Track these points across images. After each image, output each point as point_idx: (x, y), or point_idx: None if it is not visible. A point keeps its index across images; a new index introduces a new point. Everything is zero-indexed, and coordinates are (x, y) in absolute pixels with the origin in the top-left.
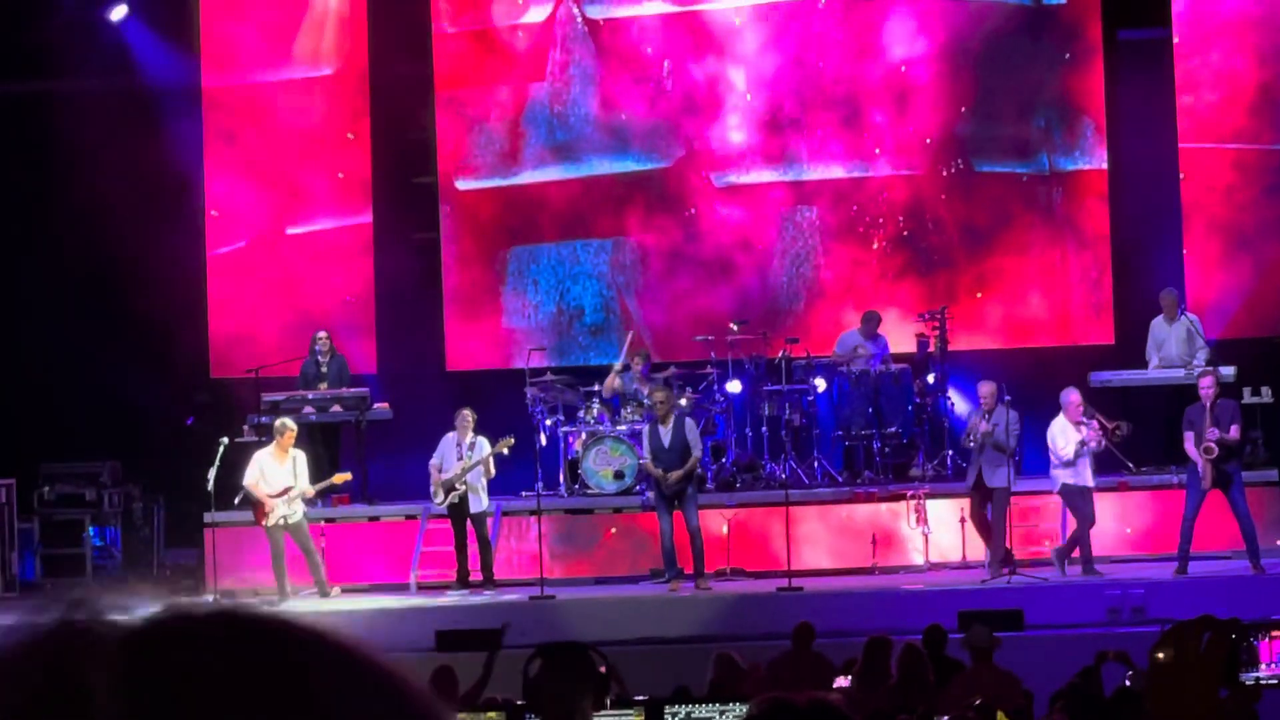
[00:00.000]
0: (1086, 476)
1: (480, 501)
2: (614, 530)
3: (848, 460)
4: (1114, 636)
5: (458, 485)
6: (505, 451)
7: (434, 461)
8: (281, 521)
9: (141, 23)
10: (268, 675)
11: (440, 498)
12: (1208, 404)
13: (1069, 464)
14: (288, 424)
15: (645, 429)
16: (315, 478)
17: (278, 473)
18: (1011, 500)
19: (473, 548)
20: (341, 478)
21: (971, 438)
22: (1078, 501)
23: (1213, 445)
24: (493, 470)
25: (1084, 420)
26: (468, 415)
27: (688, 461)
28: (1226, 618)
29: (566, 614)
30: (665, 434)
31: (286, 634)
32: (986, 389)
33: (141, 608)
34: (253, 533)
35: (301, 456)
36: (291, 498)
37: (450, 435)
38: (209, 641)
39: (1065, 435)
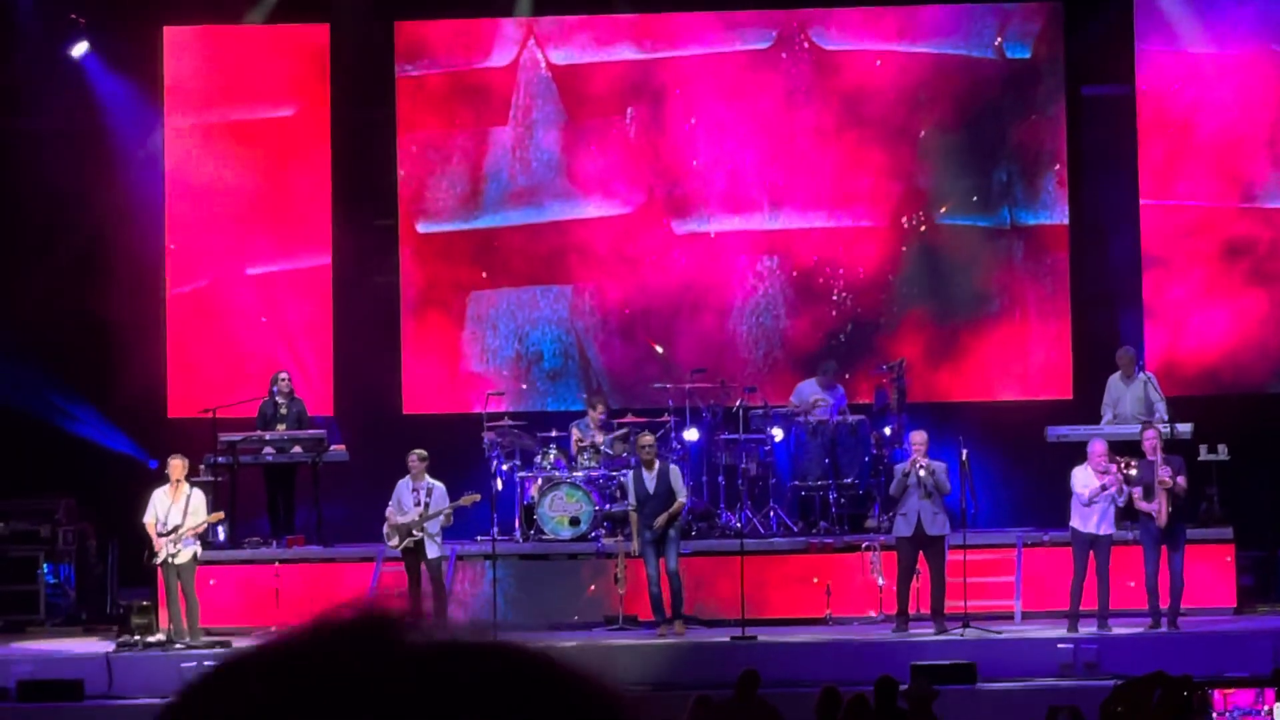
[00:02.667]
0: (1092, 524)
1: (435, 547)
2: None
3: (803, 510)
4: (1067, 691)
5: (415, 531)
6: (468, 506)
7: (390, 508)
8: (169, 560)
9: (103, 60)
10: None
11: (395, 541)
12: (1154, 458)
13: (1085, 506)
14: (170, 461)
15: (630, 475)
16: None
17: (170, 511)
18: (964, 554)
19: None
20: (215, 517)
21: (912, 477)
22: (1074, 547)
23: (1167, 480)
24: (450, 519)
25: (1107, 470)
26: (417, 458)
27: (670, 507)
28: (1181, 673)
29: None
30: (650, 480)
31: (580, 684)
32: (919, 437)
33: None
34: (204, 572)
35: (198, 494)
36: (178, 536)
37: (405, 480)
38: (496, 674)
39: (1082, 479)
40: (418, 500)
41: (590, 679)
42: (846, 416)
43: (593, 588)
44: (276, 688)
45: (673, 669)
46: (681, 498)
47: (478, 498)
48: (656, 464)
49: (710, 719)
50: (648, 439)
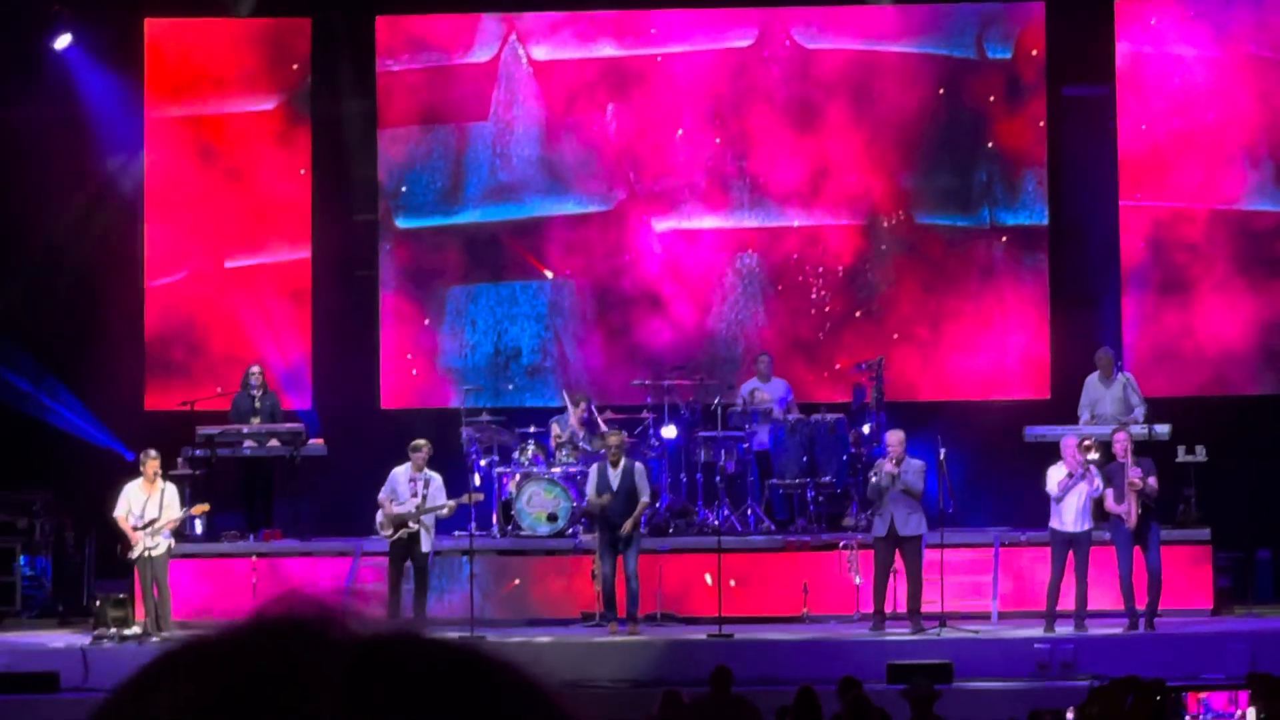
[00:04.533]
0: (1066, 521)
1: (429, 541)
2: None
3: (781, 508)
4: (1043, 691)
5: (411, 523)
6: (470, 504)
7: (383, 495)
8: (146, 554)
9: (85, 51)
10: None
11: (389, 531)
12: (1125, 460)
13: (1057, 502)
14: (148, 454)
15: (594, 469)
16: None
17: (145, 505)
18: (941, 553)
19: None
20: (200, 508)
21: (875, 475)
22: (1053, 547)
23: (1137, 480)
24: (452, 513)
25: (1077, 466)
26: (426, 451)
27: (633, 506)
28: (1154, 676)
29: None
30: (614, 476)
31: (509, 676)
32: (895, 437)
33: (373, 623)
34: (181, 565)
35: (171, 488)
36: (155, 530)
37: (401, 468)
38: (434, 668)
39: (1055, 478)
40: (415, 491)
41: (523, 674)
42: (791, 412)
43: (570, 584)
44: (205, 687)
45: (648, 666)
46: (645, 497)
47: (481, 497)
48: (622, 462)
49: (682, 715)
50: (615, 439)
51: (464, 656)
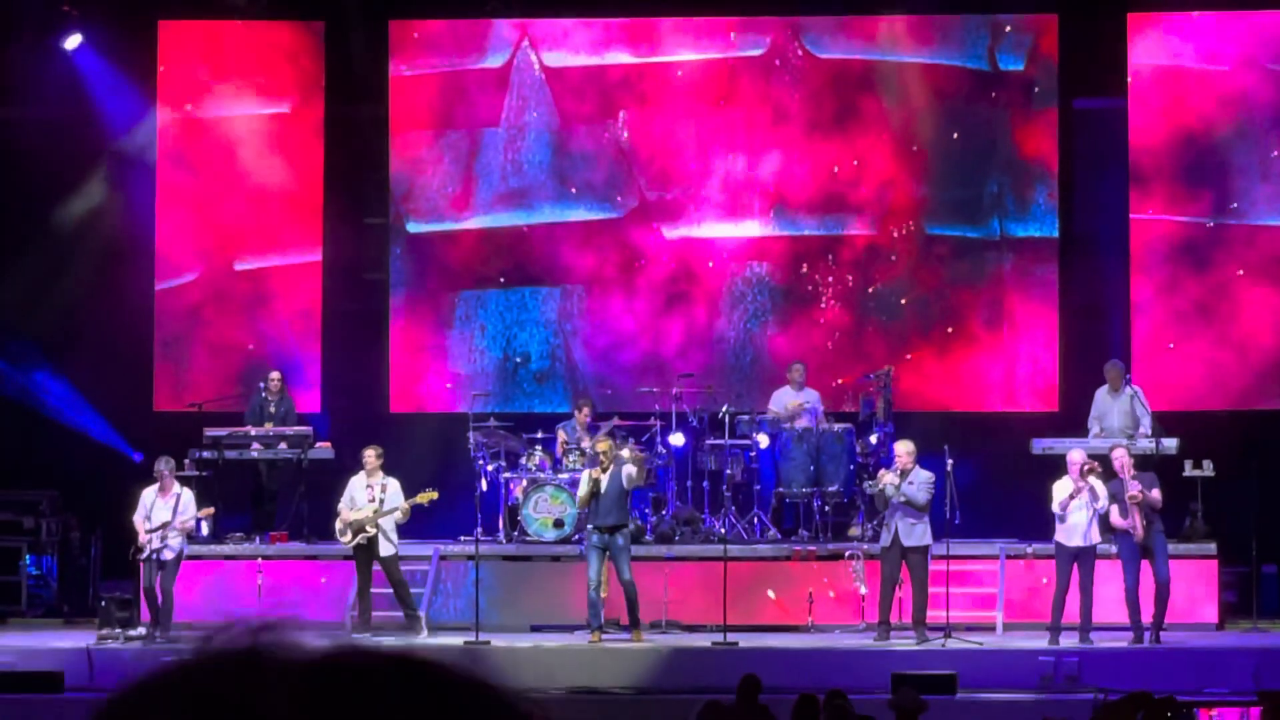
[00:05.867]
0: (1073, 536)
1: (389, 545)
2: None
3: (788, 517)
4: (1047, 703)
5: (368, 528)
6: (425, 504)
7: (342, 503)
8: (154, 558)
9: (97, 52)
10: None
11: (347, 537)
12: (1125, 476)
13: (1061, 520)
14: (161, 463)
15: (584, 473)
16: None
17: (159, 509)
18: (947, 564)
19: (380, 590)
20: (206, 511)
21: (873, 485)
22: (1058, 560)
23: (1138, 494)
24: (407, 516)
25: (1082, 479)
26: (374, 455)
27: (623, 510)
28: (1160, 690)
29: (500, 661)
30: (602, 479)
31: (455, 682)
32: (904, 448)
33: (320, 640)
34: (186, 567)
35: (187, 493)
36: (163, 533)
37: (357, 476)
38: (384, 682)
39: (1057, 493)
40: (371, 496)
41: (473, 681)
42: (831, 424)
43: (575, 590)
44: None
45: (654, 674)
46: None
47: (435, 495)
48: (611, 466)
49: None
50: (603, 445)
51: (406, 668)
